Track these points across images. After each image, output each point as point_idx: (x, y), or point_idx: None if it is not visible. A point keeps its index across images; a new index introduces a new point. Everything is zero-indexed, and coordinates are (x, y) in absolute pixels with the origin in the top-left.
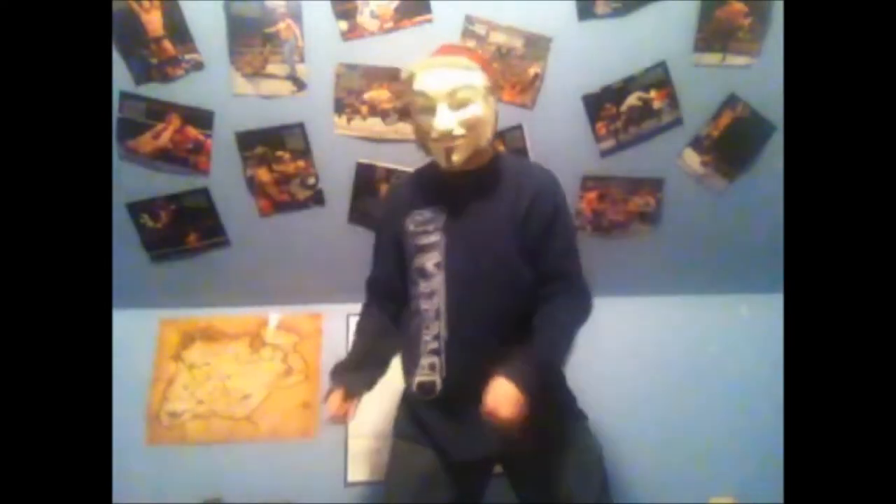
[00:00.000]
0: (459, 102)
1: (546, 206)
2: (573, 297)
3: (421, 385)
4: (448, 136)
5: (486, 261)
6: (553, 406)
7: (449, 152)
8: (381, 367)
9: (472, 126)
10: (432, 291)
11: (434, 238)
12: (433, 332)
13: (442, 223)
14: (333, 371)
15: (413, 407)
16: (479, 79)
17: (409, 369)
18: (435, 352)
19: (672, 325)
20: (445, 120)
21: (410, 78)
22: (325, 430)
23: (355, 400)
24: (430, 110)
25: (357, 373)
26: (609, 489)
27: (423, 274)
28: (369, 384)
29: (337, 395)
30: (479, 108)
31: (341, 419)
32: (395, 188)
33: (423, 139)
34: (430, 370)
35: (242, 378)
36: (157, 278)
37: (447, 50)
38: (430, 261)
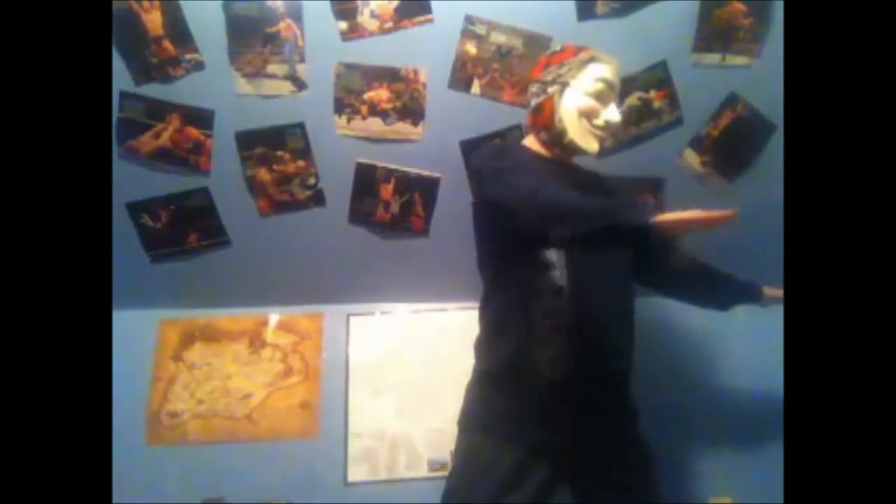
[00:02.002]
0: (618, 104)
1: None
2: None
3: (553, 362)
4: (612, 128)
5: (608, 248)
6: (627, 406)
7: (602, 141)
8: None
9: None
10: (550, 264)
11: None
12: (558, 307)
13: None
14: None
15: (505, 394)
16: None
17: (529, 349)
18: (557, 329)
19: (672, 325)
20: (618, 114)
21: (589, 59)
22: (325, 430)
23: None
24: (604, 99)
25: None
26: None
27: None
28: None
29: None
30: None
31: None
32: (496, 150)
33: (577, 122)
34: (549, 345)
35: (242, 378)
36: (157, 278)
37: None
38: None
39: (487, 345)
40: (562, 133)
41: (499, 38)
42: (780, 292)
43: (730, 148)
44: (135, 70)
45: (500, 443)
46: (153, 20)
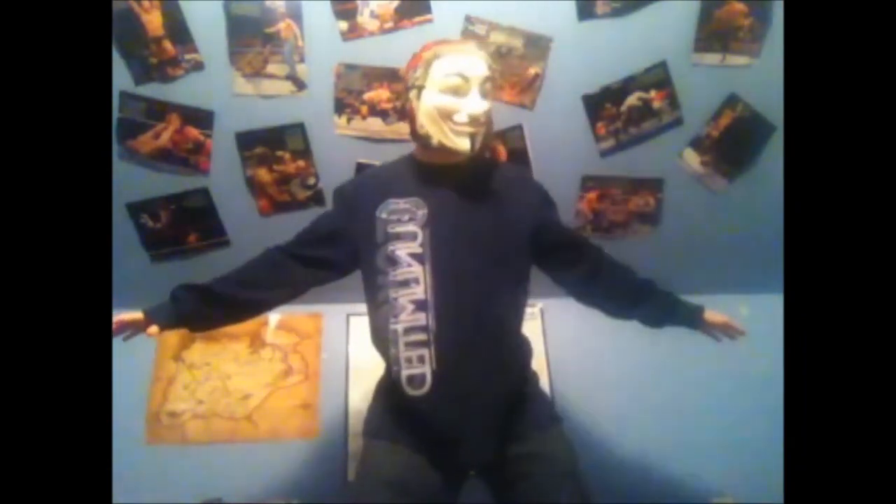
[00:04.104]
0: (485, 92)
1: (538, 196)
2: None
3: (410, 378)
4: (477, 120)
5: (480, 256)
6: (538, 408)
7: (473, 137)
8: (233, 309)
9: (489, 118)
10: (407, 281)
11: (411, 228)
12: (418, 324)
13: (423, 215)
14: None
15: (396, 404)
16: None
17: (388, 363)
18: (422, 343)
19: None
20: (480, 104)
21: (432, 57)
22: (325, 430)
23: (155, 328)
24: (461, 92)
25: (198, 302)
26: (587, 497)
27: (394, 261)
28: (190, 319)
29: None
30: (490, 104)
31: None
32: (361, 180)
33: (441, 121)
34: (419, 362)
35: (242, 378)
36: (157, 278)
37: (463, 40)
38: (404, 250)
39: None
40: (428, 137)
41: (499, 38)
42: (721, 319)
43: (730, 148)
44: (135, 70)
45: (392, 447)
46: (153, 20)
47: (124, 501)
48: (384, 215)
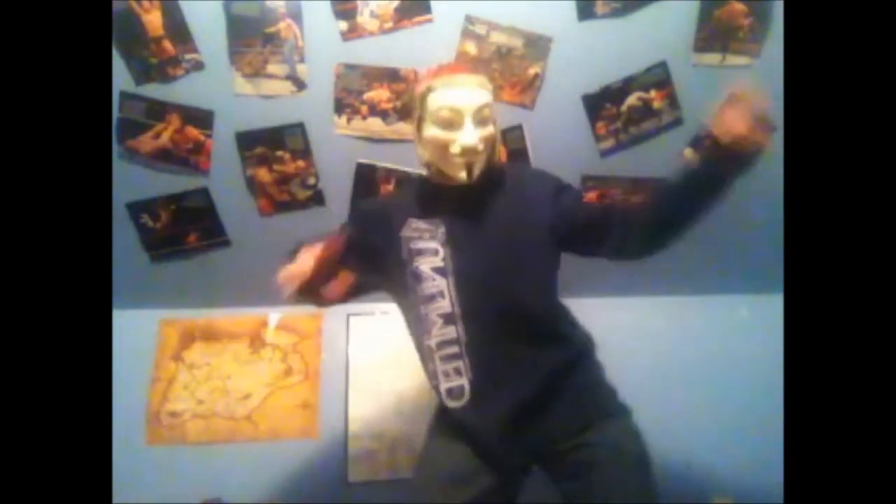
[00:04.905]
0: (481, 120)
1: (550, 187)
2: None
3: (449, 391)
4: (472, 151)
5: (500, 262)
6: (594, 400)
7: (470, 167)
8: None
9: (489, 143)
10: (433, 295)
11: (432, 244)
12: (449, 337)
13: (443, 233)
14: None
15: (448, 414)
16: (491, 98)
17: (430, 378)
18: (456, 356)
19: (672, 325)
20: (473, 135)
21: (426, 91)
22: (325, 430)
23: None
24: (454, 125)
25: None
26: (655, 494)
27: (419, 277)
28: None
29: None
30: (493, 128)
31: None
32: (381, 200)
33: (438, 153)
34: (456, 374)
35: (242, 378)
36: (157, 278)
37: (457, 68)
38: (427, 265)
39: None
40: (430, 165)
41: (499, 38)
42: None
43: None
44: (135, 70)
45: (448, 442)
46: (153, 20)
47: (124, 501)
48: (407, 233)
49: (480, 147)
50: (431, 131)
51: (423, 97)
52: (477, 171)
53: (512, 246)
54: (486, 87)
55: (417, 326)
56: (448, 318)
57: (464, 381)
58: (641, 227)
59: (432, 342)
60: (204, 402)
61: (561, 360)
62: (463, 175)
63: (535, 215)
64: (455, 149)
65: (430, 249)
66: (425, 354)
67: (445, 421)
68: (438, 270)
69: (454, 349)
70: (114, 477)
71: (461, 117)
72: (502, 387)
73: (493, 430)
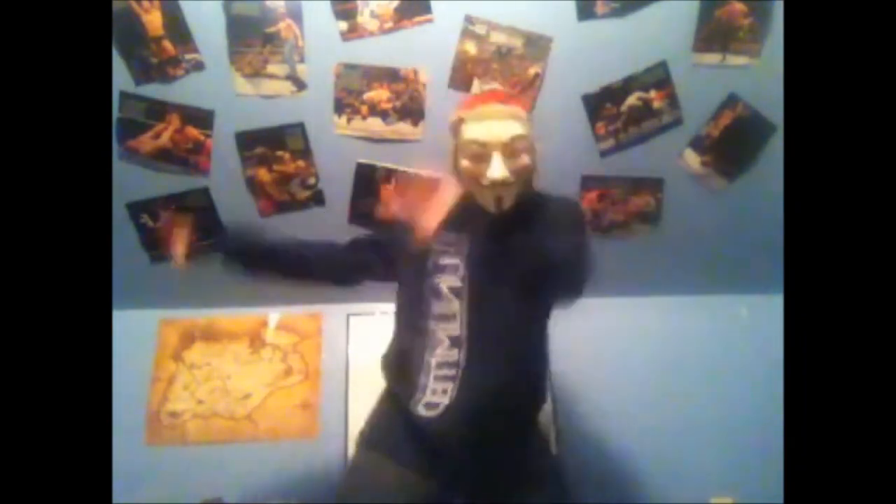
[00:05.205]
0: (512, 152)
1: (561, 218)
2: None
3: (427, 404)
4: (502, 183)
5: (512, 295)
6: (534, 458)
7: (500, 199)
8: (273, 261)
9: (522, 174)
10: (447, 316)
11: (454, 261)
12: (450, 359)
13: (465, 249)
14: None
15: (402, 420)
16: (528, 127)
17: (407, 387)
18: (450, 378)
19: (672, 325)
20: (501, 169)
21: (458, 122)
22: (325, 430)
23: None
24: (483, 158)
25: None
26: None
27: (437, 294)
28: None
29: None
30: (528, 157)
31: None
32: None
33: (470, 183)
34: (442, 394)
35: (242, 378)
36: (157, 278)
37: (493, 96)
38: (446, 283)
39: (390, 373)
40: (466, 189)
41: (499, 38)
42: None
43: (730, 148)
44: (135, 70)
45: (387, 462)
46: (153, 20)
47: (124, 501)
48: (436, 245)
49: (511, 179)
50: (463, 162)
51: (456, 128)
52: (508, 203)
53: (524, 276)
54: (519, 118)
55: (418, 337)
56: (454, 341)
57: (445, 401)
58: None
59: (433, 360)
60: (204, 402)
61: (533, 411)
62: (491, 206)
63: (552, 252)
64: (484, 182)
65: (451, 266)
66: (417, 365)
67: (392, 429)
68: (454, 291)
69: (451, 371)
70: (114, 477)
71: (488, 151)
72: (478, 415)
73: (451, 446)
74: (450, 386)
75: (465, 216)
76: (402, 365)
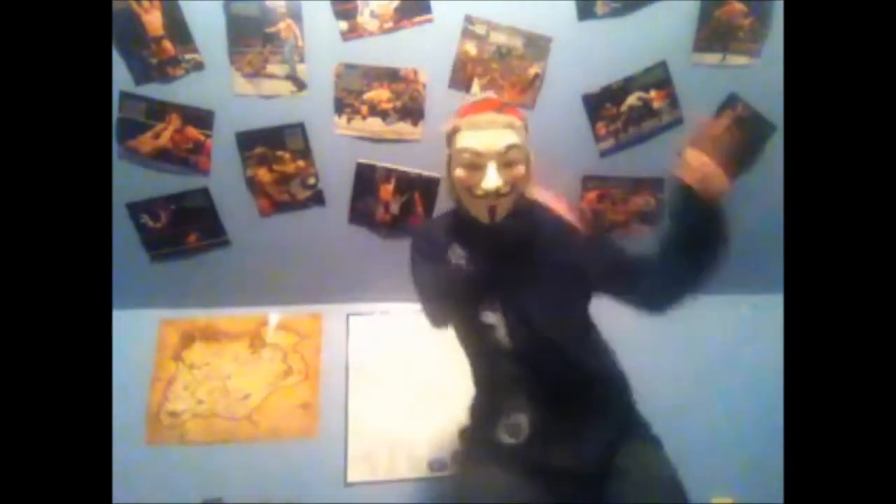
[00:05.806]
0: (507, 162)
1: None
2: None
3: (507, 427)
4: (495, 193)
5: (546, 300)
6: (619, 425)
7: (493, 209)
8: None
9: (516, 184)
10: (492, 326)
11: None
12: (513, 374)
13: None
14: None
15: (492, 446)
16: (523, 137)
17: (488, 409)
18: (518, 392)
19: (672, 325)
20: (495, 179)
21: (453, 131)
22: (325, 430)
23: None
24: (477, 167)
25: None
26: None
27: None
28: None
29: None
30: (523, 167)
31: None
32: (423, 232)
33: (462, 193)
34: (518, 411)
35: (242, 378)
36: (157, 278)
37: (488, 105)
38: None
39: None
40: (459, 202)
41: (499, 38)
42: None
43: (730, 148)
44: (135, 70)
45: (495, 471)
46: (153, 20)
47: (124, 501)
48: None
49: (505, 189)
50: (457, 171)
51: (451, 137)
52: (501, 213)
53: (551, 280)
54: (514, 127)
55: (482, 358)
56: (506, 354)
57: (522, 419)
58: (664, 283)
59: (495, 375)
60: (204, 402)
61: (614, 398)
62: (485, 216)
63: (557, 255)
64: (478, 192)
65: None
66: (497, 386)
67: (485, 454)
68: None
69: (515, 385)
70: (114, 477)
71: (483, 160)
72: (558, 427)
73: (544, 471)
74: (523, 404)
75: (467, 235)
76: (482, 387)
